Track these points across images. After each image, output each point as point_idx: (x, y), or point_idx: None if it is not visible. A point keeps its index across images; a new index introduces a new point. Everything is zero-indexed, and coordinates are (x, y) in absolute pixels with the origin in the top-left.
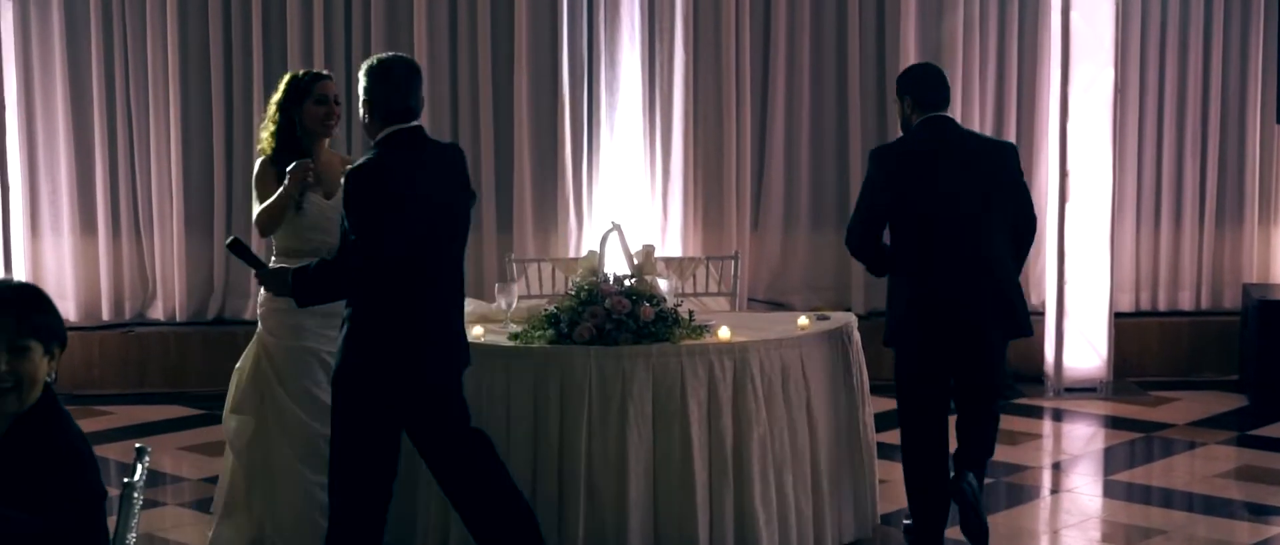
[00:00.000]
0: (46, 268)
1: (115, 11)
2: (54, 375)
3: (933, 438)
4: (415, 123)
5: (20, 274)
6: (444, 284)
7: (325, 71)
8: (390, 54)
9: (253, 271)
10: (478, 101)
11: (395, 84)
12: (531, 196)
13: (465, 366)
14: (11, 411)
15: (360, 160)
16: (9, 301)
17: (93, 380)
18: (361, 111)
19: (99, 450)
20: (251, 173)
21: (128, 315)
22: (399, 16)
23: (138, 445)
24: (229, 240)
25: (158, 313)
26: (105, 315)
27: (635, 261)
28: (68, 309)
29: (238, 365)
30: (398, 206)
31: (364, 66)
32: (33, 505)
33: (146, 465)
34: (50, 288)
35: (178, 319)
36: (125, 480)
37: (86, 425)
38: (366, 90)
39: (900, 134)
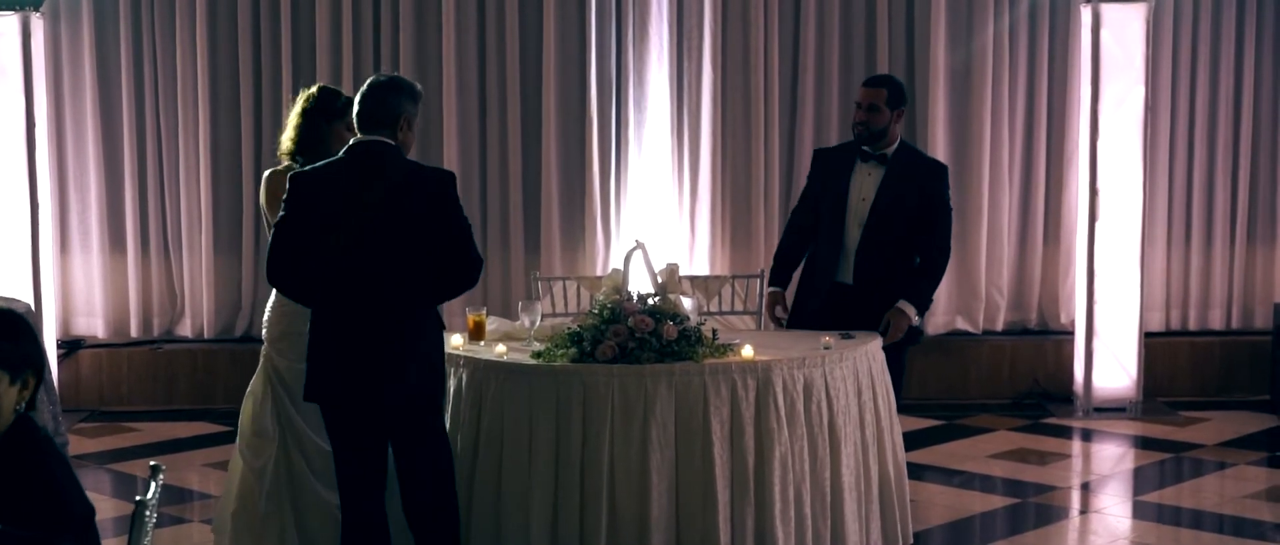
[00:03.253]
0: (76, 285)
1: (145, 30)
2: (21, 406)
3: None
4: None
5: (49, 291)
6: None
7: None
8: (387, 76)
9: None
10: (505, 119)
11: None
12: (558, 214)
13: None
14: None
15: (427, 167)
16: None
17: (120, 397)
18: (406, 130)
19: (124, 467)
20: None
21: (156, 332)
22: (427, 36)
23: (151, 464)
24: None
25: (186, 330)
26: (134, 332)
27: (659, 280)
28: (96, 326)
29: (250, 389)
30: None
31: (410, 86)
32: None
33: (160, 483)
34: (78, 305)
35: (206, 336)
36: (138, 498)
37: (113, 442)
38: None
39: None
